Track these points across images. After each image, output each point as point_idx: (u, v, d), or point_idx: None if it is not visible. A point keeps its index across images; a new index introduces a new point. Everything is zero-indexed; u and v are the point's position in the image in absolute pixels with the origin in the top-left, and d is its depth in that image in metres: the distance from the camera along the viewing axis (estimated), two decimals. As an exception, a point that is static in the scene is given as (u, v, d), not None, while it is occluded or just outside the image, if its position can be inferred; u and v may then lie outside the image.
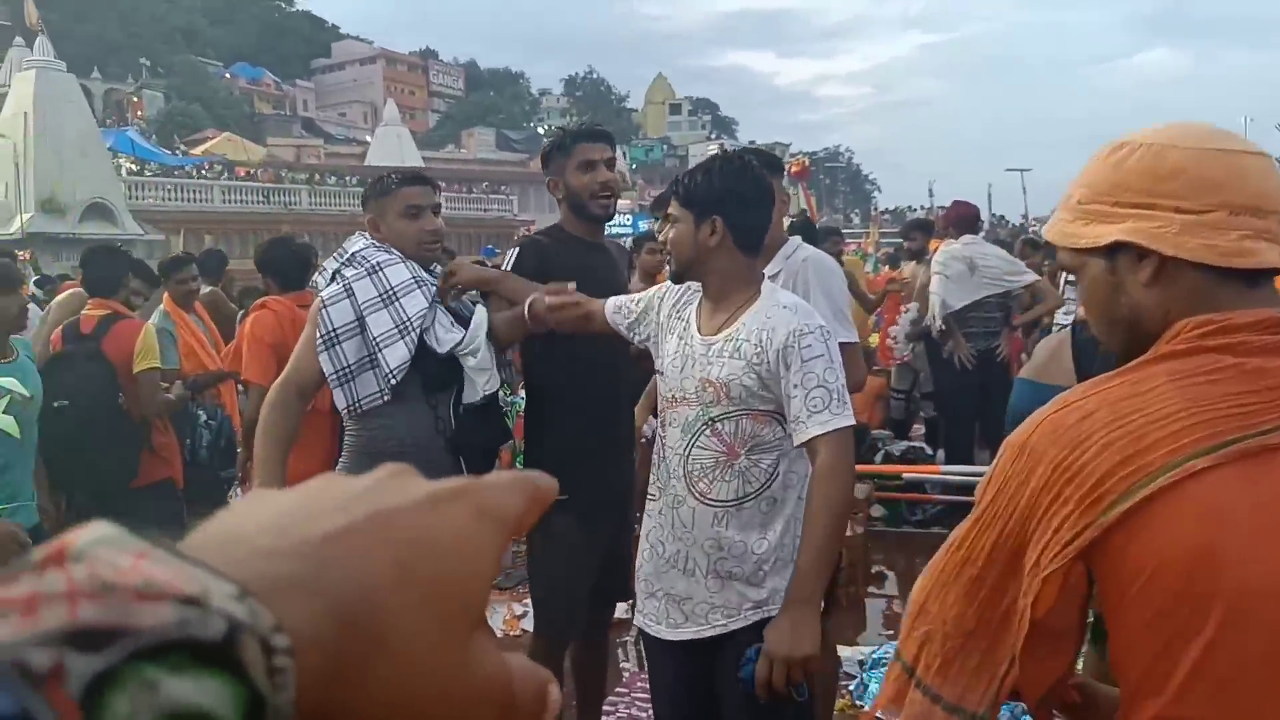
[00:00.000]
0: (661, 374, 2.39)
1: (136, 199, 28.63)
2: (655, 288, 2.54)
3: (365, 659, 0.29)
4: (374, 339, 2.59)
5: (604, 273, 2.95)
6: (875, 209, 40.46)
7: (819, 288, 2.93)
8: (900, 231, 8.20)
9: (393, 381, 2.59)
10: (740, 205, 2.24)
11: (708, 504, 2.23)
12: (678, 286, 2.40)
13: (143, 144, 33.70)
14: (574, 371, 2.87)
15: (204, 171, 32.32)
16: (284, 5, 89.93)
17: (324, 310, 2.62)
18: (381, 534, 0.31)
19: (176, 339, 4.97)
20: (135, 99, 50.76)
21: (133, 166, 30.72)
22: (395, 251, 2.70)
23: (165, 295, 5.33)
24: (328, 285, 2.72)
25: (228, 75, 67.10)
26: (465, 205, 39.54)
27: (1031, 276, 6.00)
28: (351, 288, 2.63)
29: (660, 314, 2.43)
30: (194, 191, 30.99)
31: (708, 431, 2.22)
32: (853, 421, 2.14)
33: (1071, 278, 6.34)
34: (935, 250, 7.98)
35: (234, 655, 0.25)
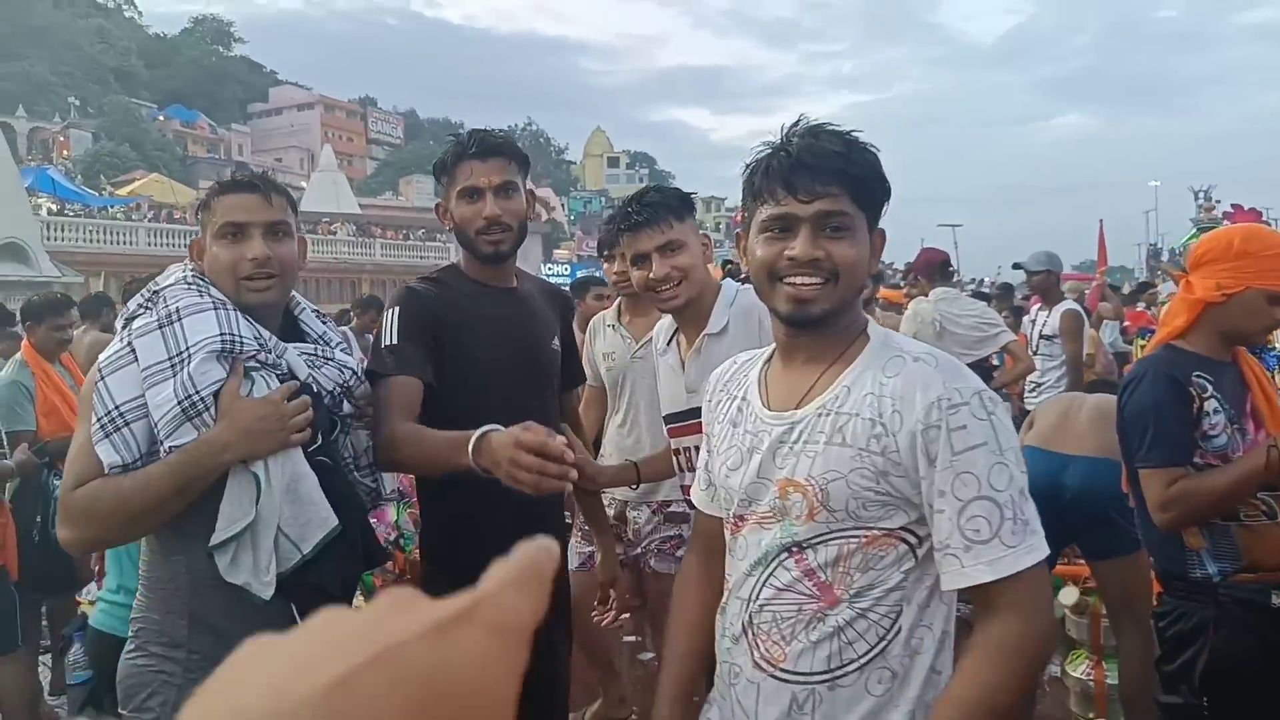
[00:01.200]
0: (709, 485, 1.72)
1: (54, 239, 27.52)
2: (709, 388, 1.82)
3: None
4: (155, 424, 1.80)
5: (513, 326, 2.37)
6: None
7: None
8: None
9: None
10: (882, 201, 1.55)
11: (782, 678, 1.48)
12: (725, 366, 1.76)
13: (64, 183, 32.35)
14: (480, 405, 2.15)
15: (132, 214, 31.21)
16: (222, 50, 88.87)
17: (100, 383, 1.82)
18: (389, 676, 0.29)
19: (33, 395, 4.22)
20: (61, 138, 49.31)
21: (53, 206, 29.57)
22: (214, 290, 1.90)
23: (24, 343, 4.54)
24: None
25: (161, 117, 65.62)
26: (403, 252, 39.26)
27: (1008, 337, 5.52)
28: (135, 346, 1.84)
29: (708, 409, 1.74)
30: (118, 233, 29.93)
31: (789, 563, 1.48)
32: (1045, 554, 1.40)
33: (1049, 332, 6.21)
34: (884, 299, 7.65)
35: None
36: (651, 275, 2.35)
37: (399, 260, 37.51)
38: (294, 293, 2.10)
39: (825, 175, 1.45)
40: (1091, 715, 3.95)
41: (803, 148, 1.47)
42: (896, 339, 1.56)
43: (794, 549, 1.47)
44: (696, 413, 2.19)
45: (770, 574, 1.50)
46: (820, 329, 1.51)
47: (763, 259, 1.51)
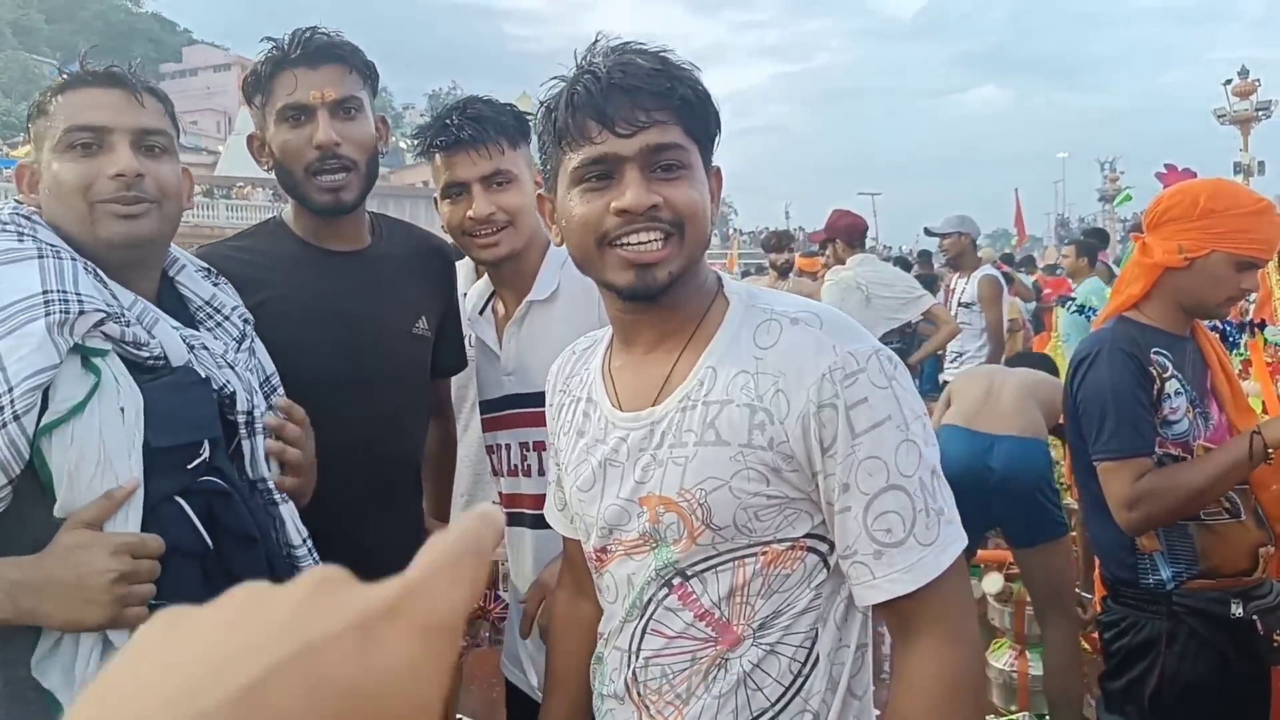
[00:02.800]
0: (565, 505, 1.41)
1: None
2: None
3: None
4: None
5: (351, 304, 1.79)
6: (733, 230, 40.71)
7: None
8: (763, 242, 7.53)
9: None
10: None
11: None
12: (560, 358, 1.46)
13: None
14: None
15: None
16: (131, 5, 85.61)
17: None
18: (305, 684, 0.27)
19: None
20: (-47, 96, 46.72)
21: None
22: (42, 232, 1.35)
23: None
24: None
25: (64, 75, 62.85)
26: None
27: (929, 300, 5.31)
28: None
29: (551, 411, 1.44)
30: (7, 197, 28.07)
31: (672, 600, 1.19)
32: (964, 544, 1.14)
33: (967, 299, 5.98)
34: (799, 267, 7.40)
35: None
36: (470, 213, 1.78)
37: None
38: (172, 246, 1.53)
39: (646, 98, 1.13)
40: (1014, 709, 3.76)
41: (612, 67, 1.14)
42: (763, 296, 1.24)
43: (676, 581, 1.18)
44: (515, 400, 1.90)
45: (651, 617, 1.21)
46: (667, 299, 1.19)
47: (583, 218, 1.17)
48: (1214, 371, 2.06)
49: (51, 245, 1.33)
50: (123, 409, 1.28)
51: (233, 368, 1.48)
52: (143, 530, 1.26)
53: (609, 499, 1.24)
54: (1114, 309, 2.13)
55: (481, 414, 2.03)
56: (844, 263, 5.27)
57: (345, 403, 1.74)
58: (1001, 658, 3.84)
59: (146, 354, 1.34)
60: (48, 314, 1.23)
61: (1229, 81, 20.65)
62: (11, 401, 1.19)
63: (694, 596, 1.18)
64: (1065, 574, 3.20)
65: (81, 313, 1.26)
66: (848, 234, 5.37)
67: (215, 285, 1.60)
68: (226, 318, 1.56)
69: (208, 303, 1.55)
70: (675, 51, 1.20)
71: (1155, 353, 1.99)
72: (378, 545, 1.73)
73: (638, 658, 1.23)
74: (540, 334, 1.83)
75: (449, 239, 1.97)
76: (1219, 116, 20.71)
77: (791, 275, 6.67)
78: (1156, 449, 1.97)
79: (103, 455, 1.25)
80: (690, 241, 1.17)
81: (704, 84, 1.20)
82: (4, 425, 1.19)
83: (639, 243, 1.15)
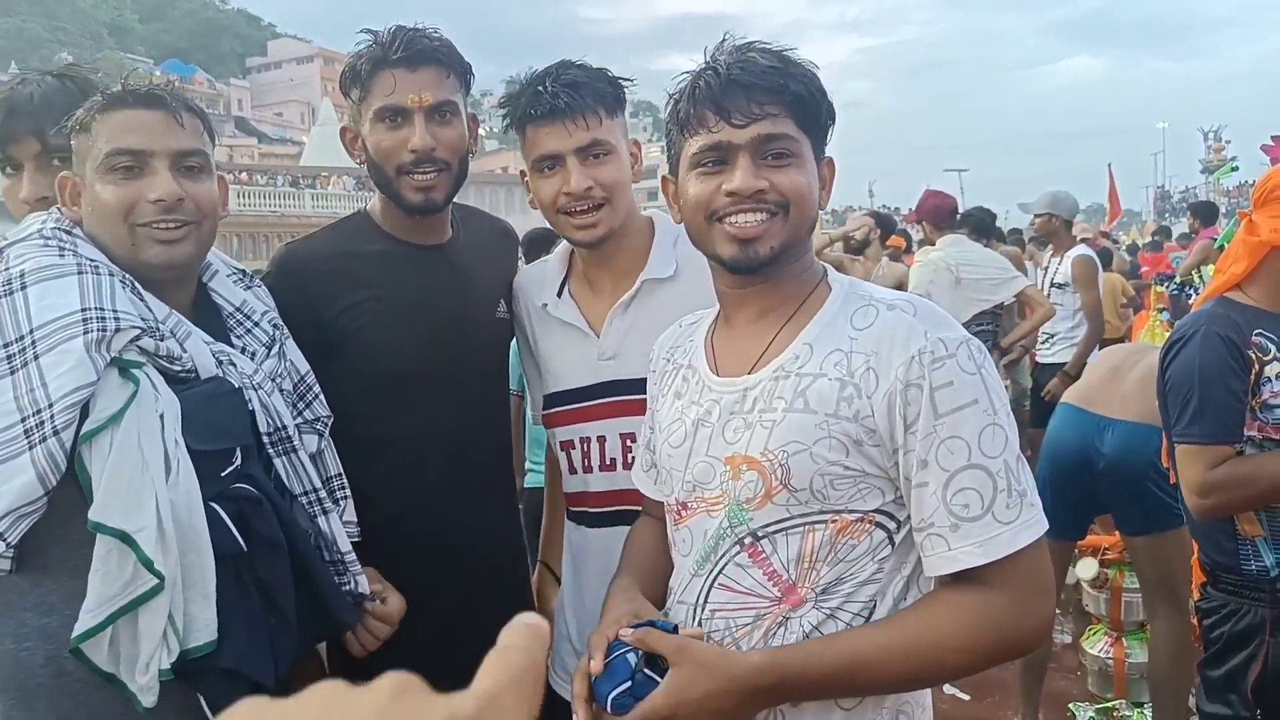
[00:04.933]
0: (651, 466, 1.48)
1: None
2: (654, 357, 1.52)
3: None
4: None
5: (439, 299, 1.81)
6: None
7: None
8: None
9: (4, 542, 1.25)
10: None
11: None
12: (671, 331, 1.51)
13: None
14: (390, 419, 1.79)
15: None
16: (219, 3, 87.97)
17: None
18: None
19: None
20: (56, 95, 48.62)
21: None
22: (85, 247, 1.39)
23: None
24: None
25: (158, 72, 64.92)
26: None
27: (1022, 282, 5.14)
28: None
29: (654, 378, 1.50)
30: None
31: (742, 557, 1.25)
32: (1044, 529, 1.17)
33: (1061, 280, 5.81)
34: (892, 247, 7.26)
35: None
36: (566, 188, 1.69)
37: None
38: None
39: (761, 93, 1.23)
40: (1110, 696, 3.69)
41: (732, 64, 1.25)
42: (864, 286, 1.33)
43: (748, 541, 1.24)
44: (611, 389, 1.78)
45: (720, 571, 1.26)
46: (770, 272, 1.28)
47: (697, 197, 1.28)
48: (1326, 355, 1.99)
49: (91, 260, 1.37)
50: (162, 415, 1.31)
51: (256, 390, 1.49)
52: (180, 536, 1.30)
53: (698, 456, 1.30)
54: (1216, 288, 2.08)
55: (555, 406, 1.87)
56: (934, 244, 5.17)
57: (441, 395, 1.80)
58: (1097, 644, 3.77)
59: (179, 367, 1.38)
60: (85, 331, 1.28)
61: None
62: (51, 417, 1.24)
63: (764, 555, 1.23)
64: (1178, 566, 3.00)
65: (118, 330, 1.30)
66: (934, 215, 5.26)
67: (247, 289, 1.63)
68: (256, 324, 1.58)
69: (238, 309, 1.58)
70: (797, 50, 1.29)
71: (1257, 334, 1.94)
72: (473, 533, 1.85)
73: (704, 609, 1.27)
74: (655, 314, 1.70)
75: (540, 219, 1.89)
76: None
77: (885, 257, 6.51)
78: (1254, 432, 1.92)
79: (142, 460, 1.28)
80: (794, 221, 1.26)
81: (820, 80, 1.28)
82: (44, 440, 1.24)
83: (745, 220, 1.24)
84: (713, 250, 1.29)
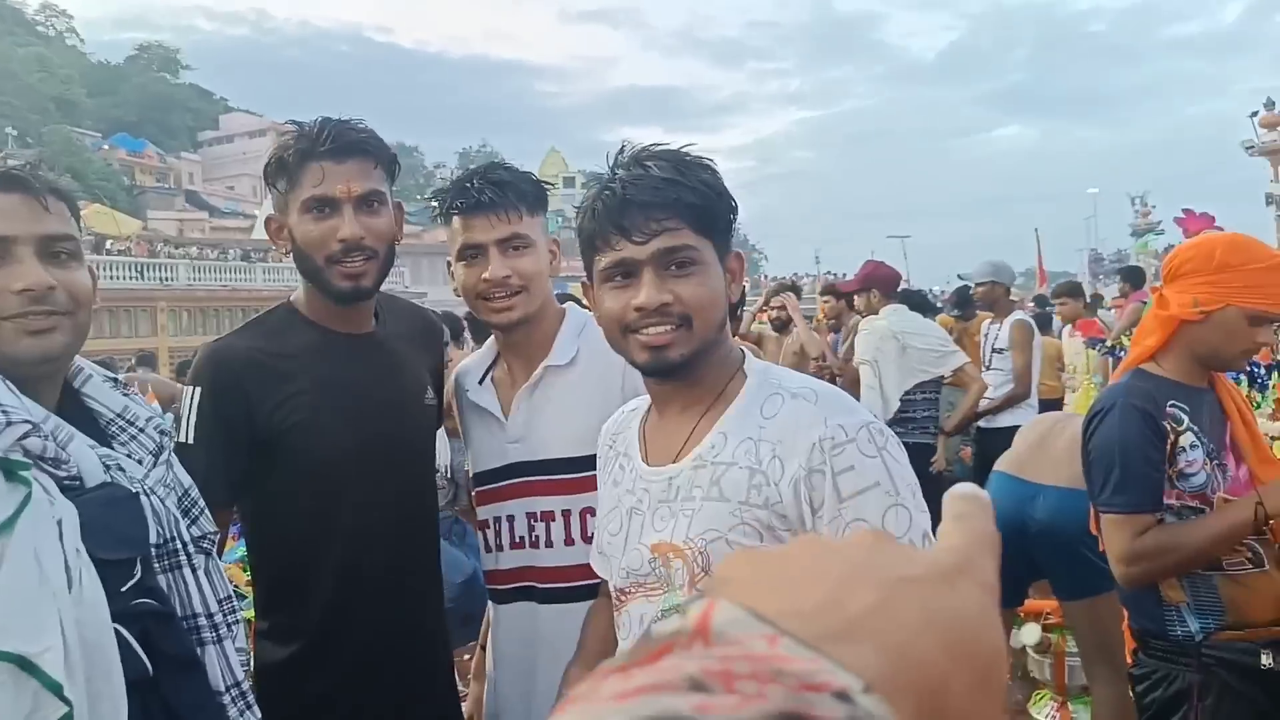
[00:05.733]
0: (600, 552, 1.55)
1: None
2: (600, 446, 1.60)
3: None
4: None
5: (374, 389, 1.83)
6: (764, 277, 40.78)
7: None
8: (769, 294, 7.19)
9: None
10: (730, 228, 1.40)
11: None
12: (613, 418, 1.59)
13: None
14: (329, 515, 1.79)
15: None
16: (169, 77, 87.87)
17: None
18: (922, 604, 0.31)
19: None
20: (-1, 170, 48.03)
21: None
22: None
23: None
24: None
25: (106, 147, 64.56)
26: None
27: (960, 358, 5.26)
28: None
29: (599, 464, 1.59)
30: None
31: None
32: None
33: (1000, 345, 5.94)
34: (825, 315, 7.35)
35: None
36: (485, 275, 1.81)
37: None
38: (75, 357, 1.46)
39: (657, 209, 1.30)
40: (1058, 760, 3.70)
41: (628, 182, 1.32)
42: (776, 373, 1.41)
43: None
44: (517, 470, 1.88)
45: None
46: (685, 375, 1.36)
47: (609, 312, 1.36)
48: (1234, 423, 2.07)
49: None
50: (60, 521, 1.20)
51: (149, 495, 1.38)
52: (87, 658, 1.16)
53: (631, 544, 1.38)
54: (1132, 360, 2.16)
55: (476, 486, 1.97)
56: (876, 312, 5.30)
57: (373, 483, 1.80)
58: (1043, 710, 3.79)
59: (64, 473, 1.26)
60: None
61: (1255, 113, 20.58)
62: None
63: None
64: (1112, 628, 2.99)
65: (9, 424, 1.20)
66: (884, 284, 5.43)
67: (126, 395, 1.50)
68: (141, 430, 1.46)
69: (120, 415, 1.46)
70: (692, 149, 1.35)
71: (1171, 405, 2.02)
72: (409, 632, 1.84)
73: None
74: (554, 400, 1.84)
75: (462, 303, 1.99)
76: (1247, 148, 20.59)
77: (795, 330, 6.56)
78: (1173, 500, 1.99)
79: (40, 572, 1.15)
80: (699, 329, 1.32)
81: (717, 181, 1.35)
82: None
83: (654, 332, 1.32)
84: (630, 358, 1.37)
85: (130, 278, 29.56)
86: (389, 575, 1.82)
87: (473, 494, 2.01)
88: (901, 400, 4.99)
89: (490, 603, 1.99)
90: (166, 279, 30.79)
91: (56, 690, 1.11)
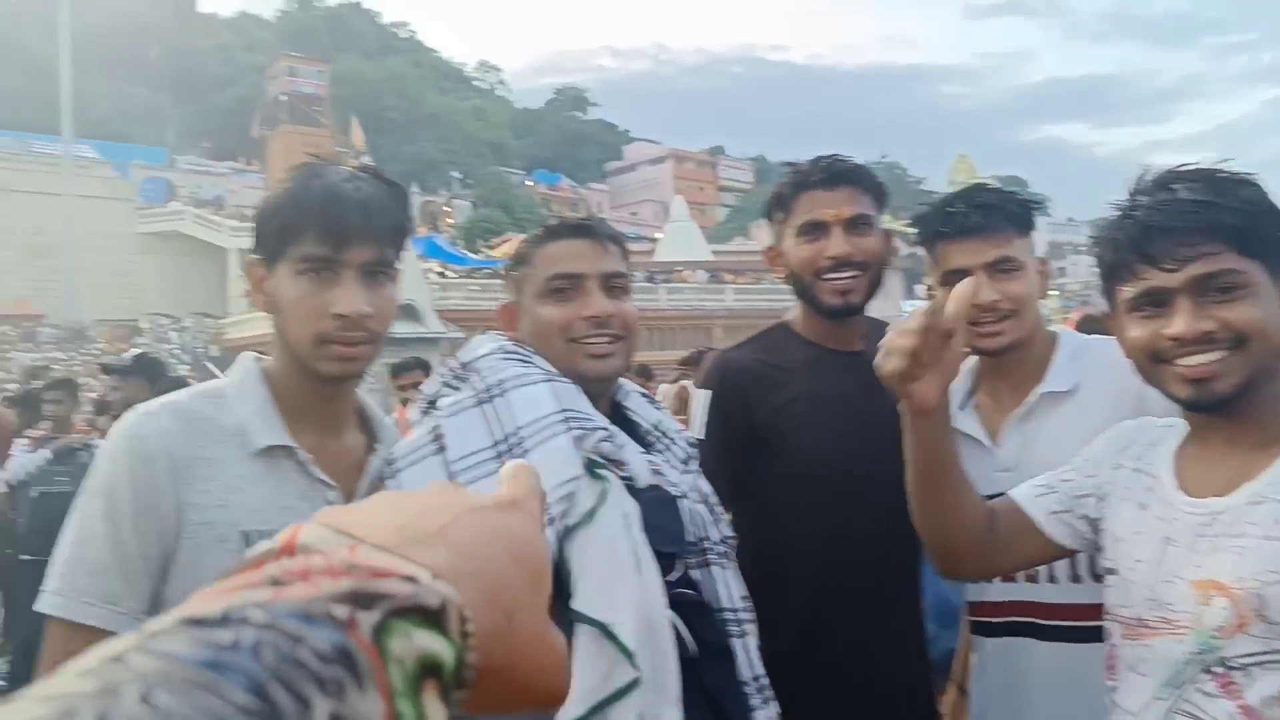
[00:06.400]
0: (1112, 573, 1.39)
1: (441, 300, 30.80)
2: (1108, 440, 1.49)
3: (504, 632, 0.37)
4: None
5: (861, 403, 1.82)
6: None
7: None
8: None
9: None
10: None
11: None
12: (1130, 426, 1.48)
13: (447, 249, 35.99)
14: (815, 515, 1.87)
15: (501, 273, 33.63)
16: (580, 115, 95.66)
17: (395, 480, 1.42)
18: (485, 525, 0.40)
19: None
20: (446, 208, 54.44)
21: (439, 269, 32.90)
22: (537, 360, 1.53)
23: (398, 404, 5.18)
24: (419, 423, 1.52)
25: (528, 183, 71.31)
26: (756, 296, 38.77)
27: None
28: (442, 433, 1.44)
29: (1103, 468, 1.44)
30: (492, 291, 32.70)
31: (1211, 687, 1.19)
32: None
33: None
34: None
35: (445, 621, 0.33)
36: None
37: (751, 305, 37.55)
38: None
39: (1189, 234, 1.24)
40: None
41: (1153, 208, 1.28)
42: None
43: (1218, 670, 1.20)
44: None
45: (1185, 699, 1.23)
46: (1234, 409, 1.26)
47: (1136, 341, 1.31)
48: None
49: (551, 371, 1.51)
50: (625, 515, 1.40)
51: (684, 499, 1.54)
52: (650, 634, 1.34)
53: (1164, 575, 1.29)
54: None
55: None
56: None
57: (857, 490, 1.85)
58: None
59: (624, 474, 1.46)
60: (568, 429, 1.42)
61: None
62: (547, 507, 1.30)
63: (1237, 688, 1.19)
64: None
65: (592, 430, 1.45)
66: None
67: (657, 409, 1.71)
68: (673, 440, 1.64)
69: (655, 426, 1.65)
70: (1229, 163, 1.28)
71: None
72: (886, 644, 1.91)
73: None
74: (1053, 429, 1.79)
75: None
76: None
77: None
78: None
79: (615, 557, 1.36)
80: (1255, 354, 1.23)
81: (1261, 198, 1.25)
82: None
83: (1195, 362, 1.24)
84: (1165, 390, 1.30)
85: None
86: (869, 582, 1.88)
87: None
88: None
89: (975, 636, 1.92)
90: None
91: (629, 657, 1.30)
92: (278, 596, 0.30)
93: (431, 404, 1.52)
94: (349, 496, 1.39)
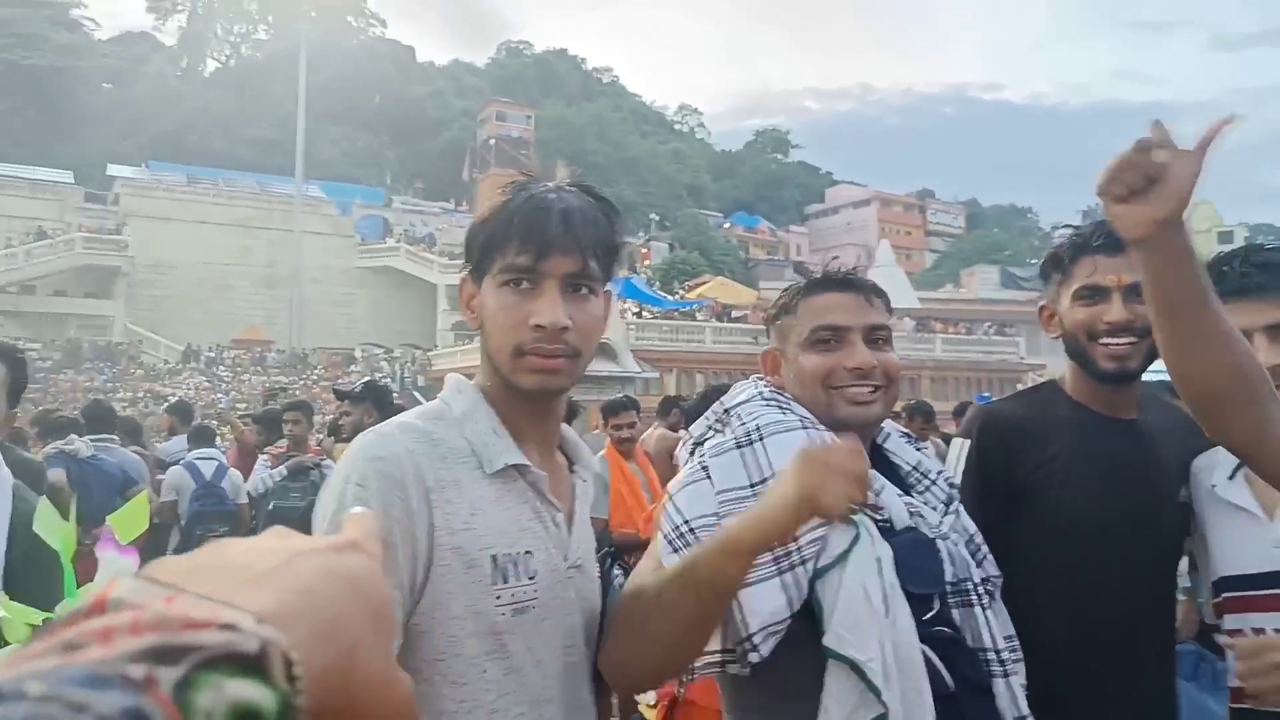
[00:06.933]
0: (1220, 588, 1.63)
1: (636, 339, 30.84)
2: None
3: (343, 670, 0.37)
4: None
5: (1127, 471, 1.87)
6: None
7: None
8: None
9: (751, 650, 1.40)
10: None
11: None
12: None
13: (644, 289, 35.86)
14: (1068, 576, 1.86)
15: (698, 315, 33.02)
16: (780, 157, 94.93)
17: (669, 503, 1.55)
18: (319, 565, 0.40)
19: (608, 487, 4.89)
20: (644, 249, 54.53)
21: (636, 310, 33.04)
22: (796, 406, 1.63)
23: (607, 440, 5.39)
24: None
25: (726, 224, 70.87)
26: (966, 347, 36.87)
27: None
28: (708, 466, 1.56)
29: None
30: (686, 333, 32.75)
31: None
32: None
33: None
34: None
35: (266, 666, 0.32)
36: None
37: (962, 356, 35.58)
38: None
39: None
40: None
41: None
42: None
43: None
44: None
45: None
46: None
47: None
48: None
49: (808, 418, 1.60)
50: (879, 559, 1.44)
51: (943, 540, 1.58)
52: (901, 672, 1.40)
53: None
54: None
55: (1221, 591, 1.86)
56: None
57: (1121, 561, 1.85)
58: None
59: (880, 516, 1.53)
60: None
61: None
62: (799, 549, 1.42)
63: None
64: None
65: None
66: None
67: (919, 450, 1.75)
68: (934, 482, 1.68)
69: (915, 467, 1.69)
70: None
71: None
72: (1137, 711, 1.88)
73: None
74: None
75: None
76: None
77: None
78: None
79: (865, 597, 1.40)
80: None
81: None
82: (791, 568, 1.43)
83: None
84: None
85: (745, 342, 31.40)
86: (1121, 653, 1.85)
87: (1217, 599, 1.90)
88: None
89: None
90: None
91: (876, 693, 1.36)
92: (66, 663, 0.29)
93: (698, 444, 1.66)
94: (569, 518, 1.42)
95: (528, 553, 1.30)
